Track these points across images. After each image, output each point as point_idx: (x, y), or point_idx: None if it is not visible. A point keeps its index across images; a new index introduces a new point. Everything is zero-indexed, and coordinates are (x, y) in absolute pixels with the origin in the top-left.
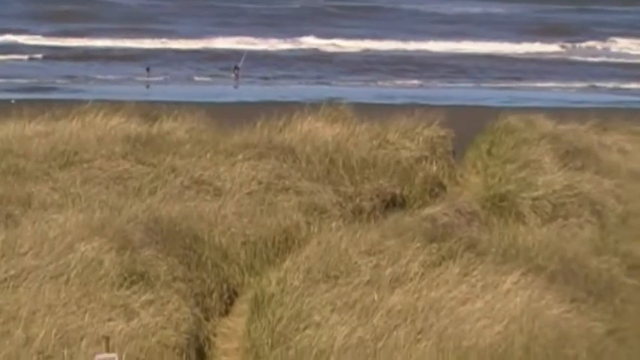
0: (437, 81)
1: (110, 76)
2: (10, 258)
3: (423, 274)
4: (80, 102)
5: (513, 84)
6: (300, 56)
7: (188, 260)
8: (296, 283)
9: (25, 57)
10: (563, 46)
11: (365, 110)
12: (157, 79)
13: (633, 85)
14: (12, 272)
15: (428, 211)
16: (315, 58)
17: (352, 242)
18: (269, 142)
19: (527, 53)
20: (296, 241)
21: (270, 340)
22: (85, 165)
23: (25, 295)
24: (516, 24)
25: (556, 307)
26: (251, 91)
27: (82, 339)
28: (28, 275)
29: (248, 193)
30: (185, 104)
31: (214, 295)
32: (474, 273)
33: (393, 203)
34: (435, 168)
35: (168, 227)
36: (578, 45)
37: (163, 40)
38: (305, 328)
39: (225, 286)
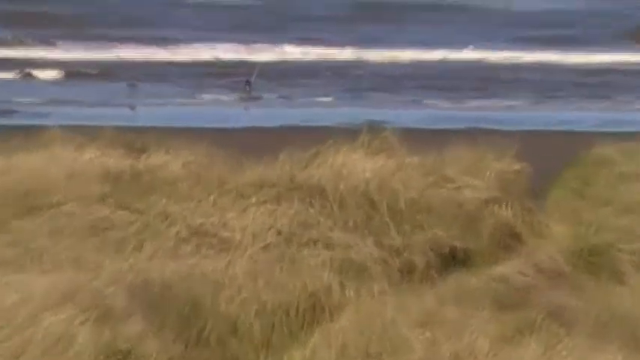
0: (505, 100)
1: (83, 96)
2: None
3: (494, 353)
4: (44, 129)
5: (606, 103)
6: (329, 69)
7: (186, 335)
8: None
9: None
10: None
11: (414, 137)
12: (144, 99)
13: None
14: None
15: (499, 269)
16: (348, 71)
17: (400, 310)
18: (291, 179)
19: (623, 63)
20: (327, 310)
21: None
22: (52, 211)
23: None
24: (608, 25)
25: None
26: (267, 113)
27: None
28: None
29: (264, 247)
30: (181, 131)
31: None
32: (559, 349)
33: (453, 259)
34: (507, 213)
35: (161, 292)
36: None
37: (153, 49)
38: None
39: None
